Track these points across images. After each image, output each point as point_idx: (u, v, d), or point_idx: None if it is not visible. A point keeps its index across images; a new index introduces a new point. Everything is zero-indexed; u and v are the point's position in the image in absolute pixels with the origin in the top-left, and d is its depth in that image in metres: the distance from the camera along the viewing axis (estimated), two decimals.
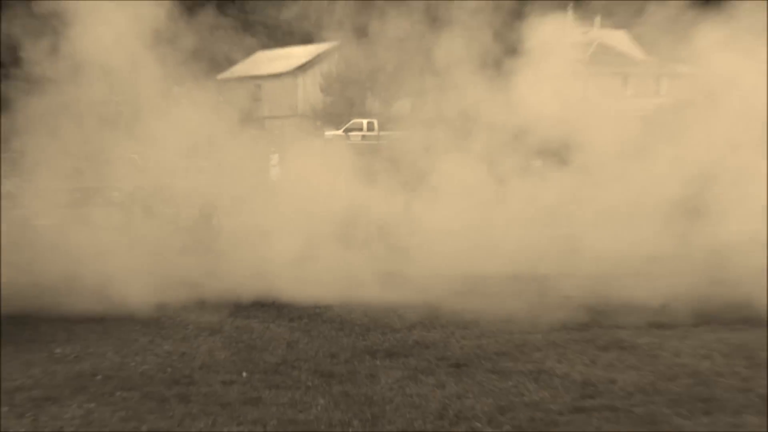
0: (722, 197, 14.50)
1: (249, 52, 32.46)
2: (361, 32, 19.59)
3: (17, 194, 16.93)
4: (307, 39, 35.25)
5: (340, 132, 28.83)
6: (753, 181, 14.22)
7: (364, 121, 29.30)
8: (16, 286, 13.61)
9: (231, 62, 28.93)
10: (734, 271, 13.73)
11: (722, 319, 12.85)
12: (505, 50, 17.09)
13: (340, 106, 31.77)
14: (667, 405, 8.89)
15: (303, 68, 43.96)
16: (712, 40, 15.02)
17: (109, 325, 12.83)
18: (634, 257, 14.48)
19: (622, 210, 14.72)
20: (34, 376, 10.19)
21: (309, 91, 41.48)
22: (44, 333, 12.38)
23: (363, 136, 27.13)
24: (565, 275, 14.41)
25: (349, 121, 30.08)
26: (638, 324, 12.64)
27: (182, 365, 10.74)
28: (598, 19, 22.01)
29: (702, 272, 14.06)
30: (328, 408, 8.89)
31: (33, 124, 14.60)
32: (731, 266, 13.86)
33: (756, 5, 14.86)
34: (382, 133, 25.64)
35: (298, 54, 43.32)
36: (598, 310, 13.13)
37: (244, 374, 10.26)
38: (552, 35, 16.87)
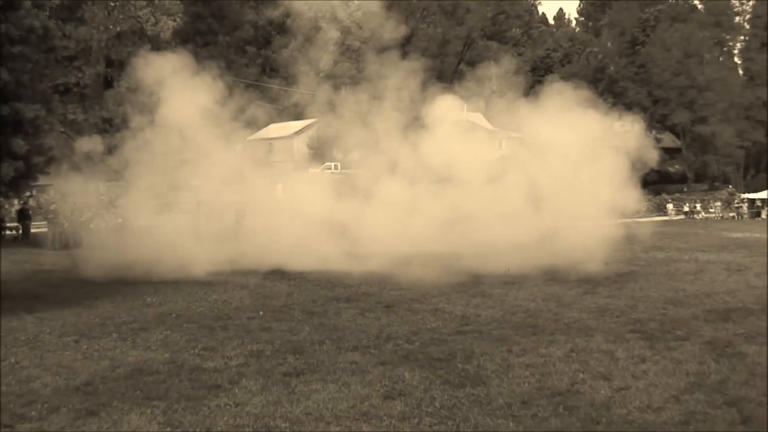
0: (550, 205, 14.46)
1: (267, 123, 32.17)
2: (330, 111, 19.45)
3: (123, 207, 16.44)
4: (299, 116, 35.04)
5: (319, 170, 28.50)
6: (568, 195, 14.20)
7: (332, 164, 29.13)
8: (122, 262, 13.16)
9: (256, 129, 28.42)
10: (556, 249, 13.72)
11: (544, 278, 12.84)
12: (416, 121, 17.01)
13: (319, 155, 31.54)
14: (511, 329, 8.78)
15: (297, 133, 43.63)
16: (529, 117, 15.09)
17: (180, 284, 12.49)
18: (498, 243, 14.24)
19: (488, 213, 14.53)
20: (134, 315, 9.86)
21: (300, 146, 41.28)
22: (140, 289, 11.99)
23: (332, 172, 26.86)
24: (455, 254, 14.22)
25: (324, 163, 29.88)
26: (494, 282, 12.58)
27: (223, 307, 10.47)
28: (465, 106, 22.00)
29: (535, 251, 14.06)
30: (311, 333, 8.67)
31: (135, 163, 14.12)
32: (554, 247, 13.84)
33: (554, 95, 14.92)
34: (343, 170, 25.50)
35: (294, 125, 43.07)
36: (472, 274, 12.99)
37: (261, 313, 9.99)
38: (442, 113, 16.75)
